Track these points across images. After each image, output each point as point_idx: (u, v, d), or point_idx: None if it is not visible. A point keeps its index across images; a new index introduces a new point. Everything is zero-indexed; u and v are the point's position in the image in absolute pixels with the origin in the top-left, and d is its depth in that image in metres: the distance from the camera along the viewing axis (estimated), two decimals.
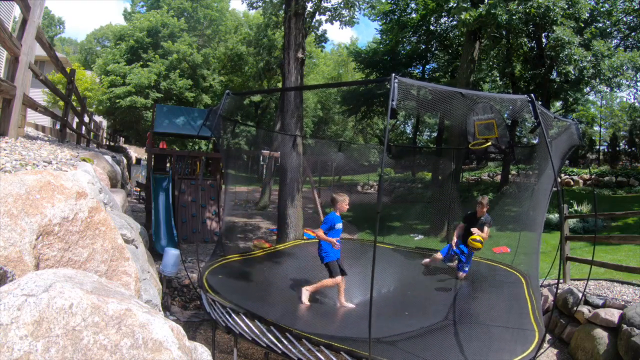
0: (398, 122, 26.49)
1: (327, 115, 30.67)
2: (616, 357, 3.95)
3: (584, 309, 4.57)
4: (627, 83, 14.03)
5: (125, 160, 12.43)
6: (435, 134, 24.55)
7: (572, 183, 18.38)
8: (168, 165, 12.25)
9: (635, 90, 17.73)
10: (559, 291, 5.23)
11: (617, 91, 20.38)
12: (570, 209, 8.53)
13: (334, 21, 12.88)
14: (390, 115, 2.76)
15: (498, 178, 19.74)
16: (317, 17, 12.96)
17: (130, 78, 20.73)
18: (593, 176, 17.91)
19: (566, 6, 10.80)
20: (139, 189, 15.54)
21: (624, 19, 14.49)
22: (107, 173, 3.95)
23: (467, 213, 5.44)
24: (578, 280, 5.67)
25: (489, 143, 5.08)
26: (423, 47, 18.16)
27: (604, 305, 4.41)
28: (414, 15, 16.96)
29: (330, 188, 14.46)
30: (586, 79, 12.40)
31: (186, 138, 19.39)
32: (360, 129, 28.67)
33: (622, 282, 5.13)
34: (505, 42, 14.81)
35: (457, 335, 3.40)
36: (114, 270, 1.72)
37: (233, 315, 3.50)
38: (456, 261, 5.39)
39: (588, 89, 15.19)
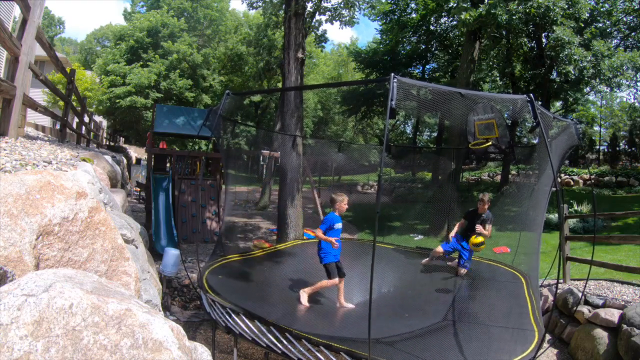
0: (398, 122, 26.51)
1: (327, 115, 30.67)
2: (616, 357, 3.96)
3: (584, 309, 4.57)
4: (627, 83, 14.03)
5: (125, 160, 12.43)
6: (435, 134, 24.56)
7: (572, 183, 18.38)
8: (168, 165, 12.25)
9: (635, 90, 17.74)
10: (559, 291, 5.23)
11: (617, 91, 20.40)
12: (570, 209, 8.53)
13: (334, 21, 12.87)
14: (389, 115, 2.76)
15: (498, 178, 19.75)
16: (317, 17, 12.96)
17: (130, 78, 20.73)
18: (593, 176, 17.91)
19: (566, 6, 10.80)
20: (139, 189, 15.54)
21: (624, 19, 14.49)
22: (107, 173, 3.95)
23: (469, 210, 5.46)
24: (578, 280, 5.67)
25: (489, 143, 5.08)
26: (423, 47, 18.17)
27: (604, 305, 4.41)
28: (414, 15, 16.96)
29: (330, 188, 14.46)
30: (586, 79, 12.41)
31: (186, 138, 19.39)
32: (361, 129, 28.68)
33: (622, 282, 5.13)
34: (505, 42, 14.81)
35: (457, 335, 3.40)
36: (114, 270, 1.72)
37: (233, 315, 3.50)
38: (457, 259, 5.41)
39: (588, 89, 15.20)
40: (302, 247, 6.68)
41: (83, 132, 8.36)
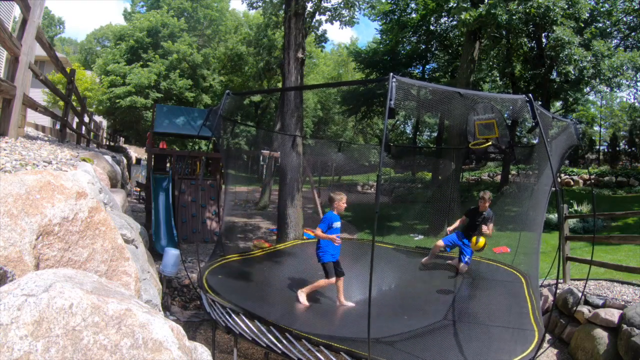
0: (398, 122, 26.52)
1: (327, 115, 30.67)
2: (616, 357, 3.96)
3: (584, 309, 4.57)
4: (627, 83, 14.04)
5: (125, 160, 12.43)
6: (435, 134, 24.56)
7: (572, 183, 18.38)
8: (168, 165, 12.25)
9: (635, 90, 17.75)
10: (559, 291, 5.23)
11: (617, 91, 20.41)
12: (570, 209, 8.53)
13: (334, 21, 12.89)
14: (388, 114, 2.76)
15: (498, 178, 19.76)
16: (317, 17, 12.97)
17: (130, 78, 20.73)
18: (593, 176, 17.92)
19: (566, 6, 10.80)
20: (139, 189, 15.54)
21: (624, 19, 14.50)
22: (107, 173, 3.95)
23: (470, 208, 5.49)
24: (578, 280, 5.67)
25: (489, 143, 5.08)
26: (423, 47, 18.16)
27: (604, 305, 4.41)
28: (414, 15, 16.95)
29: (330, 188, 14.45)
30: (586, 79, 12.41)
31: (186, 138, 19.39)
32: (360, 129, 28.68)
33: (622, 282, 5.13)
34: (505, 42, 14.82)
35: (457, 335, 3.40)
36: (114, 270, 1.72)
37: (233, 315, 3.50)
38: (457, 258, 5.42)
39: (588, 89, 15.21)
40: (302, 247, 6.68)
41: (83, 132, 8.36)
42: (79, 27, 76.69)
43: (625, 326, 3.92)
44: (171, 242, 8.93)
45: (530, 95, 3.10)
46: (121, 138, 30.88)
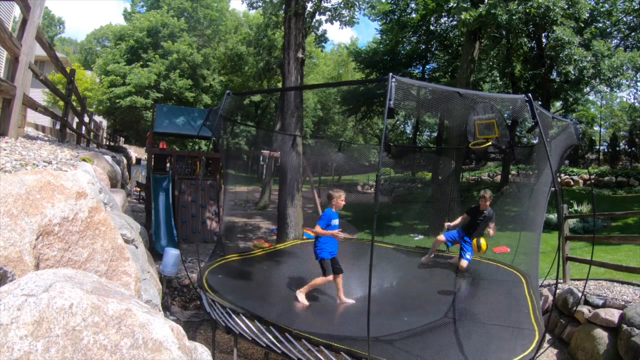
0: (398, 122, 26.53)
1: (327, 115, 30.67)
2: (616, 357, 3.96)
3: (584, 309, 4.57)
4: (627, 83, 14.04)
5: (125, 160, 12.43)
6: (435, 134, 24.56)
7: (572, 183, 18.38)
8: (168, 165, 12.25)
9: (635, 90, 17.75)
10: (558, 291, 5.23)
11: (617, 91, 20.42)
12: (570, 209, 8.53)
13: (334, 21, 12.89)
14: (387, 114, 2.76)
15: (498, 178, 19.76)
16: (317, 17, 12.97)
17: (130, 78, 20.73)
18: (593, 176, 17.92)
19: (566, 6, 10.80)
20: (139, 189, 15.54)
21: (624, 19, 14.50)
22: (107, 173, 3.95)
23: (471, 207, 5.51)
24: (578, 280, 5.67)
25: (489, 143, 5.09)
26: (423, 47, 18.16)
27: (604, 305, 4.41)
28: (414, 15, 16.96)
29: (330, 188, 14.45)
30: (586, 79, 12.41)
31: (186, 138, 19.39)
32: (360, 129, 28.69)
33: (622, 282, 5.13)
34: (505, 42, 14.82)
35: (457, 334, 3.40)
36: (114, 270, 1.72)
37: (233, 315, 3.50)
38: (457, 256, 5.44)
39: (588, 89, 15.21)
40: (301, 247, 6.68)
41: (83, 132, 8.36)
42: (79, 27, 76.79)
43: (625, 326, 3.92)
44: (171, 242, 8.93)
45: (529, 95, 3.10)
46: (121, 138, 30.88)
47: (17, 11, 6.76)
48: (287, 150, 8.12)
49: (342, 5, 12.69)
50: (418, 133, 27.12)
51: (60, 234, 1.55)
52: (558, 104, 19.87)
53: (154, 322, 1.19)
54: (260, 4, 13.09)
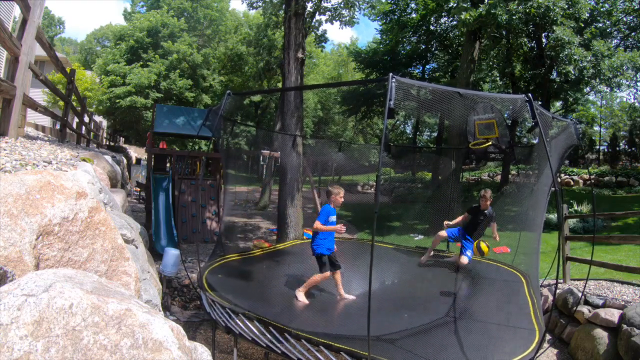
0: (398, 122, 26.52)
1: (327, 115, 30.68)
2: (616, 357, 3.96)
3: (584, 309, 4.57)
4: (627, 83, 14.04)
5: (125, 160, 12.43)
6: (435, 134, 24.57)
7: (572, 183, 18.38)
8: (168, 165, 12.25)
9: (635, 90, 17.76)
10: (559, 291, 5.23)
11: (617, 91, 20.43)
12: (570, 209, 8.53)
13: (334, 21, 12.89)
14: (387, 114, 2.76)
15: (498, 178, 19.76)
16: (317, 17, 12.97)
17: (130, 78, 20.74)
18: (593, 176, 17.92)
19: (566, 6, 10.80)
20: (139, 189, 15.54)
21: (624, 19, 14.50)
22: (107, 173, 3.95)
23: (472, 206, 5.51)
24: (578, 280, 5.67)
25: (489, 143, 5.09)
26: (423, 47, 18.17)
27: (604, 305, 4.41)
28: (414, 15, 16.96)
29: (330, 186, 14.42)
30: (586, 79, 12.41)
31: (186, 138, 19.39)
32: (361, 129, 28.70)
33: (622, 282, 5.13)
34: (505, 42, 14.82)
35: (457, 334, 3.40)
36: (114, 270, 1.72)
37: (233, 315, 3.50)
38: (458, 254, 5.44)
39: (588, 89, 15.21)
40: (301, 246, 6.68)
41: (83, 132, 8.36)
42: (79, 27, 76.82)
43: (625, 326, 3.92)
44: (171, 242, 8.93)
45: (529, 95, 3.10)
46: (121, 138, 30.88)
47: (17, 11, 6.77)
48: (287, 150, 8.12)
49: (342, 5, 12.69)
50: (418, 133, 27.13)
51: (60, 234, 1.55)
52: (558, 104, 19.87)
53: (154, 322, 1.19)
54: (260, 4, 13.09)
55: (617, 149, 25.71)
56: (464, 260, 5.16)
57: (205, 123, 4.92)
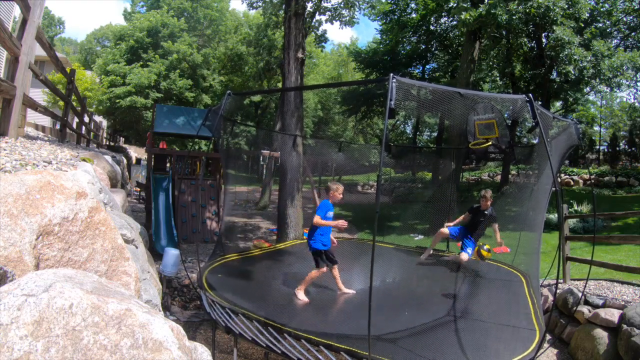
0: (398, 122, 26.52)
1: (327, 115, 30.69)
2: (616, 357, 3.96)
3: (584, 309, 4.57)
4: (627, 83, 14.03)
5: (125, 160, 12.43)
6: (435, 134, 24.57)
7: (572, 183, 18.38)
8: (168, 165, 12.25)
9: (635, 90, 17.75)
10: (559, 291, 5.23)
11: (617, 91, 20.42)
12: (570, 209, 8.54)
13: (334, 21, 12.90)
14: (388, 115, 2.76)
15: (498, 178, 19.76)
16: (317, 17, 12.98)
17: (130, 78, 20.74)
18: (593, 176, 17.92)
19: (566, 6, 10.80)
20: (139, 189, 15.54)
21: (624, 19, 14.49)
22: (107, 173, 3.95)
23: (472, 206, 5.52)
24: (578, 280, 5.67)
25: (490, 143, 5.09)
26: (423, 47, 18.16)
27: (604, 305, 4.41)
28: (414, 15, 16.96)
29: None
30: (586, 79, 12.41)
31: (186, 138, 19.36)
32: (361, 129, 28.69)
33: (622, 282, 5.13)
34: (505, 42, 14.81)
35: (458, 333, 3.40)
36: (114, 270, 1.72)
37: (233, 315, 3.50)
38: (460, 246, 5.46)
39: (588, 89, 15.20)
40: (301, 246, 6.67)
41: (83, 132, 8.36)
42: (79, 27, 76.84)
43: (625, 326, 3.92)
44: (171, 242, 8.93)
45: (530, 95, 3.09)
46: (121, 138, 30.89)
47: (17, 11, 6.77)
48: (287, 150, 8.12)
49: (342, 5, 12.69)
50: (418, 133, 27.14)
51: (60, 234, 1.55)
52: (558, 104, 19.87)
53: (154, 322, 1.19)
54: (260, 4, 13.09)
55: (617, 149, 25.72)
56: (464, 256, 5.17)
57: (205, 123, 4.92)
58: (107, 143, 23.51)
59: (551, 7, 10.13)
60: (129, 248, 2.23)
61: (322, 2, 12.17)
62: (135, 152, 26.46)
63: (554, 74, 13.91)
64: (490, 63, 16.06)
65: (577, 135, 4.52)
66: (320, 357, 2.96)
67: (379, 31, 18.97)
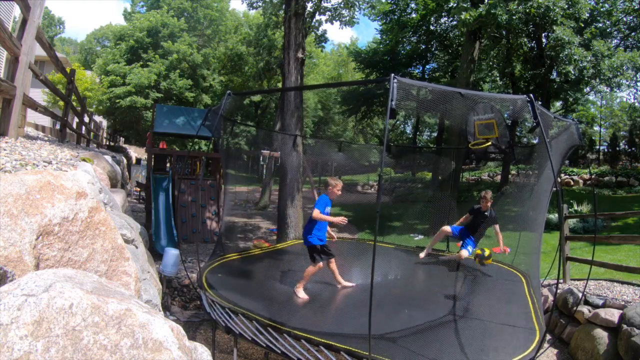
0: (398, 122, 26.53)
1: (327, 115, 30.69)
2: (616, 357, 3.96)
3: (584, 309, 4.57)
4: (627, 83, 14.03)
5: (125, 160, 12.43)
6: (435, 134, 24.57)
7: (572, 183, 18.38)
8: (168, 165, 12.25)
9: (635, 90, 17.74)
10: (559, 291, 5.23)
11: (617, 91, 20.42)
12: (570, 209, 8.54)
13: (334, 21, 12.89)
14: (389, 115, 2.76)
15: (498, 178, 19.75)
16: (317, 17, 12.98)
17: (130, 78, 20.74)
18: (593, 176, 17.91)
19: (566, 6, 10.80)
20: (139, 189, 15.54)
21: (624, 19, 14.49)
22: (107, 173, 3.95)
23: (473, 207, 5.52)
24: (578, 280, 5.67)
25: (489, 143, 5.09)
26: (423, 47, 18.16)
27: (604, 305, 4.41)
28: (414, 15, 16.96)
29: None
30: (586, 79, 12.40)
31: (186, 138, 19.37)
32: (361, 129, 28.70)
33: (622, 282, 5.13)
34: (505, 42, 14.81)
35: (458, 333, 3.40)
36: (114, 270, 1.72)
37: (233, 315, 3.50)
38: (460, 244, 5.46)
39: (588, 89, 15.20)
40: (301, 246, 6.66)
41: (83, 132, 8.36)
42: (79, 27, 76.86)
43: (625, 326, 3.92)
44: (171, 242, 8.93)
45: (531, 95, 3.09)
46: (121, 138, 30.88)
47: (17, 11, 6.77)
48: (287, 150, 8.12)
49: (342, 5, 12.69)
50: (418, 133, 27.13)
51: (60, 234, 1.55)
52: (558, 104, 19.87)
53: (154, 322, 1.19)
54: (260, 4, 13.09)
55: (617, 149, 25.72)
56: (464, 253, 5.17)
57: (205, 123, 4.92)
58: (107, 143, 23.51)
59: (551, 7, 10.13)
60: (129, 248, 2.23)
61: (322, 2, 12.18)
62: (135, 152, 26.46)
63: (554, 74, 13.91)
64: (490, 63, 16.06)
65: (578, 135, 4.52)
66: (320, 357, 2.96)
67: (379, 31, 18.98)
